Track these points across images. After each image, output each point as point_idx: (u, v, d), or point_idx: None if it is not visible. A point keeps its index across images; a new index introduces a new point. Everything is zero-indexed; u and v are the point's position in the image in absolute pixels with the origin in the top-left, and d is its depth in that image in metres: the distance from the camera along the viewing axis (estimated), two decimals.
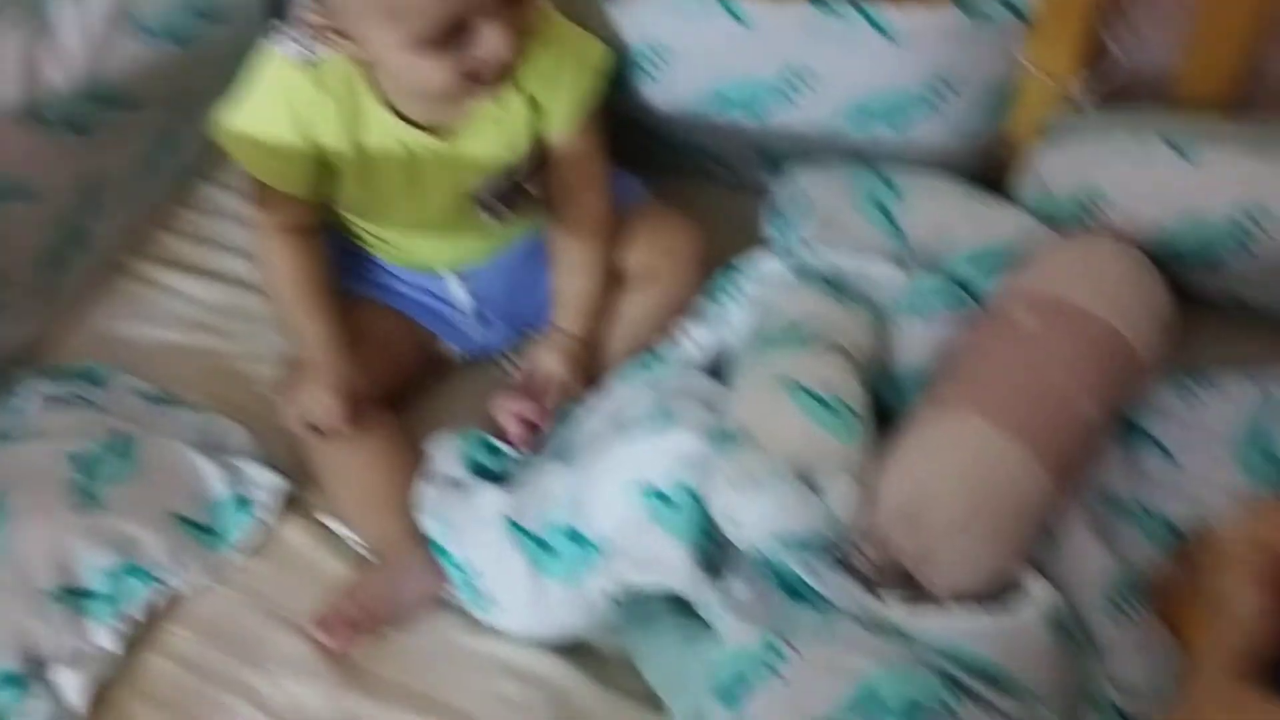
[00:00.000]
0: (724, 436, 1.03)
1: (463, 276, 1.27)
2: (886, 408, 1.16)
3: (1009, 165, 1.28)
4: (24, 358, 1.32)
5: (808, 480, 0.98)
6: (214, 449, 1.22)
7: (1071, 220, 1.21)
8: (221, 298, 1.39)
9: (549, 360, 1.23)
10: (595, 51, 1.21)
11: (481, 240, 1.25)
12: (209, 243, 1.45)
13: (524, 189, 1.21)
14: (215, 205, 1.48)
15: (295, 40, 1.08)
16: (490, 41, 1.01)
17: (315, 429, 1.17)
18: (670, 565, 1.03)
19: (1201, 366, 1.20)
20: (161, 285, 1.41)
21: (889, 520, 0.99)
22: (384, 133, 1.13)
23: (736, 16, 1.24)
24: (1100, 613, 1.05)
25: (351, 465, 1.19)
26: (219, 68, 1.24)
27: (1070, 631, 1.00)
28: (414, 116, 1.12)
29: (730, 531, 1.00)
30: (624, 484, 1.08)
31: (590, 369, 1.25)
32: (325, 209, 1.22)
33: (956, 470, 1.00)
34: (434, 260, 1.26)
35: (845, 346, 1.11)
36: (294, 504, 1.22)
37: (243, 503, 1.19)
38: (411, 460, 1.19)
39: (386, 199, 1.18)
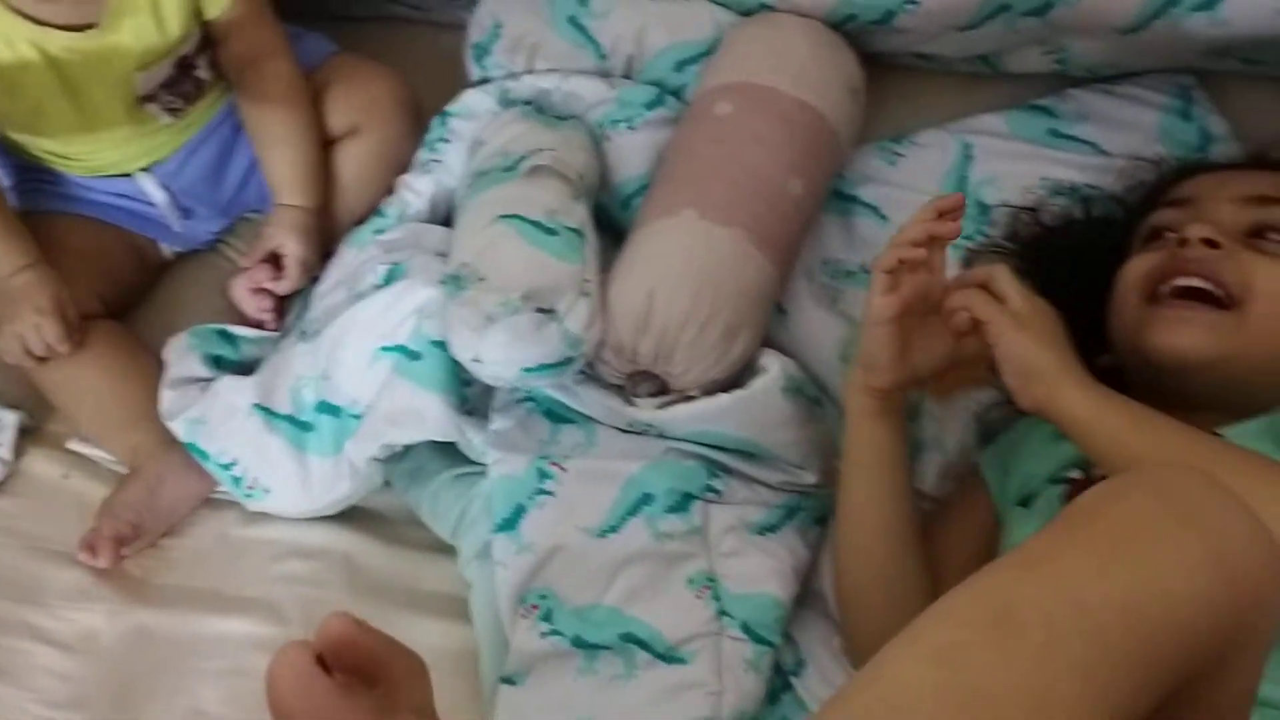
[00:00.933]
0: (453, 279, 1.04)
1: (155, 173, 1.21)
2: (615, 221, 1.18)
3: None
4: None
5: (542, 306, 0.99)
6: None
7: (755, 5, 1.22)
8: None
9: (282, 239, 1.19)
10: None
11: (167, 133, 1.19)
12: None
13: (195, 75, 1.15)
14: None
15: None
16: None
17: (37, 356, 1.12)
18: (426, 417, 1.04)
19: (902, 128, 1.27)
20: None
21: (624, 328, 1.02)
22: (18, 41, 1.04)
23: None
24: (837, 374, 1.12)
25: (86, 384, 1.14)
26: None
27: (808, 394, 1.06)
28: (49, 18, 1.04)
29: (476, 371, 1.01)
30: (367, 346, 1.08)
31: (325, 238, 1.22)
32: None
33: (677, 268, 1.03)
34: (121, 163, 1.19)
35: (560, 168, 1.11)
36: (39, 436, 1.18)
37: None
38: (148, 367, 1.16)
39: (43, 110, 1.10)
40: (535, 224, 1.05)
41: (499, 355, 0.99)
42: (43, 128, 1.14)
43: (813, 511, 1.06)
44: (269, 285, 1.18)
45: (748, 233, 1.06)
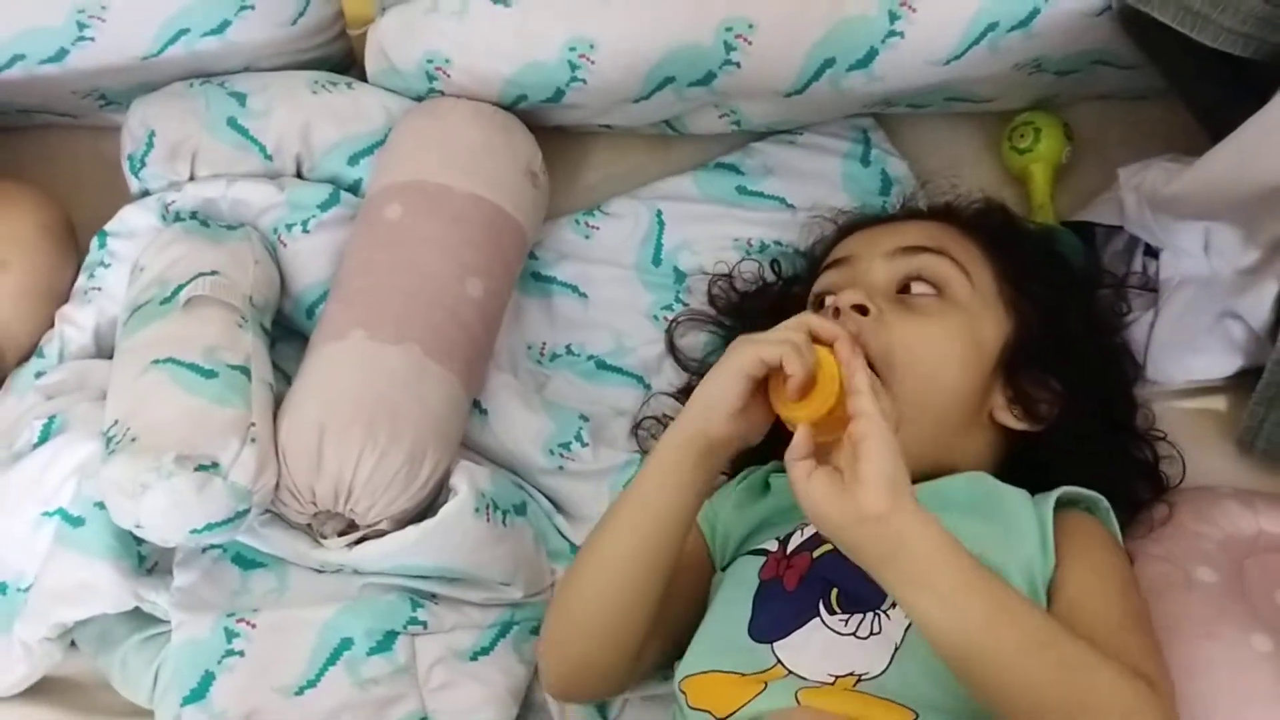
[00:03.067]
0: (107, 441, 0.96)
1: None
2: (302, 331, 1.12)
3: (355, 48, 1.22)
4: None
5: (202, 464, 0.92)
6: None
7: (424, 91, 1.18)
8: None
9: None
10: None
11: None
12: None
13: None
14: None
15: None
16: None
17: None
18: (97, 588, 0.97)
19: (593, 198, 1.24)
20: None
21: (298, 470, 0.96)
22: None
23: None
24: (544, 470, 1.10)
25: None
26: None
27: (502, 508, 1.03)
28: None
29: (143, 536, 0.95)
30: (28, 513, 1.00)
31: None
32: None
33: (348, 397, 0.98)
34: None
35: (216, 294, 1.04)
36: None
37: None
38: None
39: None
40: (191, 367, 0.98)
41: (160, 522, 0.92)
42: None
43: (526, 624, 1.03)
44: None
45: (424, 347, 1.01)
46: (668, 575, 0.89)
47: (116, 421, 0.97)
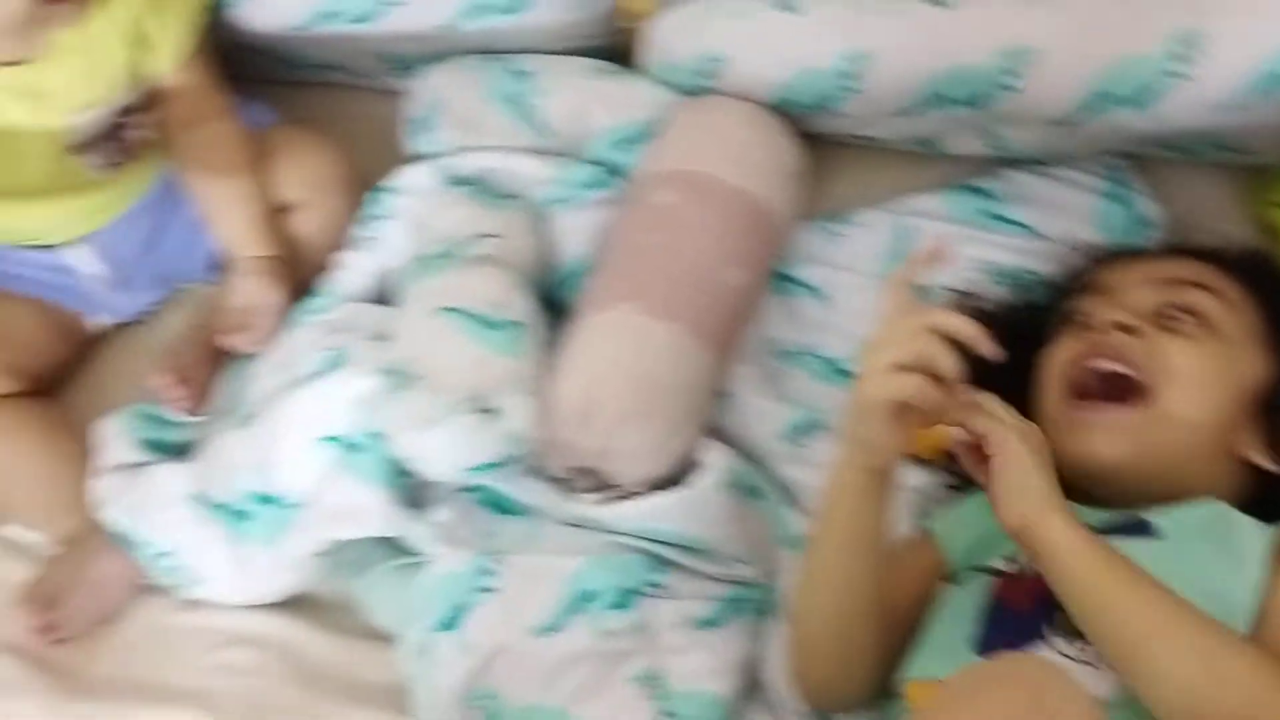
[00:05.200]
0: (394, 374, 1.03)
1: (91, 242, 1.19)
2: (558, 302, 1.18)
3: (632, 39, 1.29)
4: None
5: (484, 405, 0.99)
6: None
7: (698, 88, 1.23)
8: None
9: (256, 289, 1.18)
10: None
11: (99, 199, 1.16)
12: None
13: (133, 132, 1.13)
14: None
15: None
16: None
17: None
18: (368, 511, 1.04)
19: (840, 207, 1.28)
20: None
21: (565, 425, 1.02)
22: None
23: None
24: (781, 457, 1.13)
25: (9, 467, 1.12)
26: None
27: (751, 487, 1.07)
28: None
29: (418, 469, 1.01)
30: (307, 437, 1.07)
31: (291, 284, 1.20)
32: None
33: (618, 364, 1.04)
34: (50, 232, 1.17)
35: (504, 257, 1.11)
36: None
37: None
38: (76, 448, 1.13)
39: None
40: (478, 318, 1.04)
41: (441, 456, 0.99)
42: None
43: (754, 604, 1.07)
44: (185, 375, 1.16)
45: (688, 327, 1.06)
46: (875, 591, 0.91)
47: (404, 360, 1.03)
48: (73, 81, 1.06)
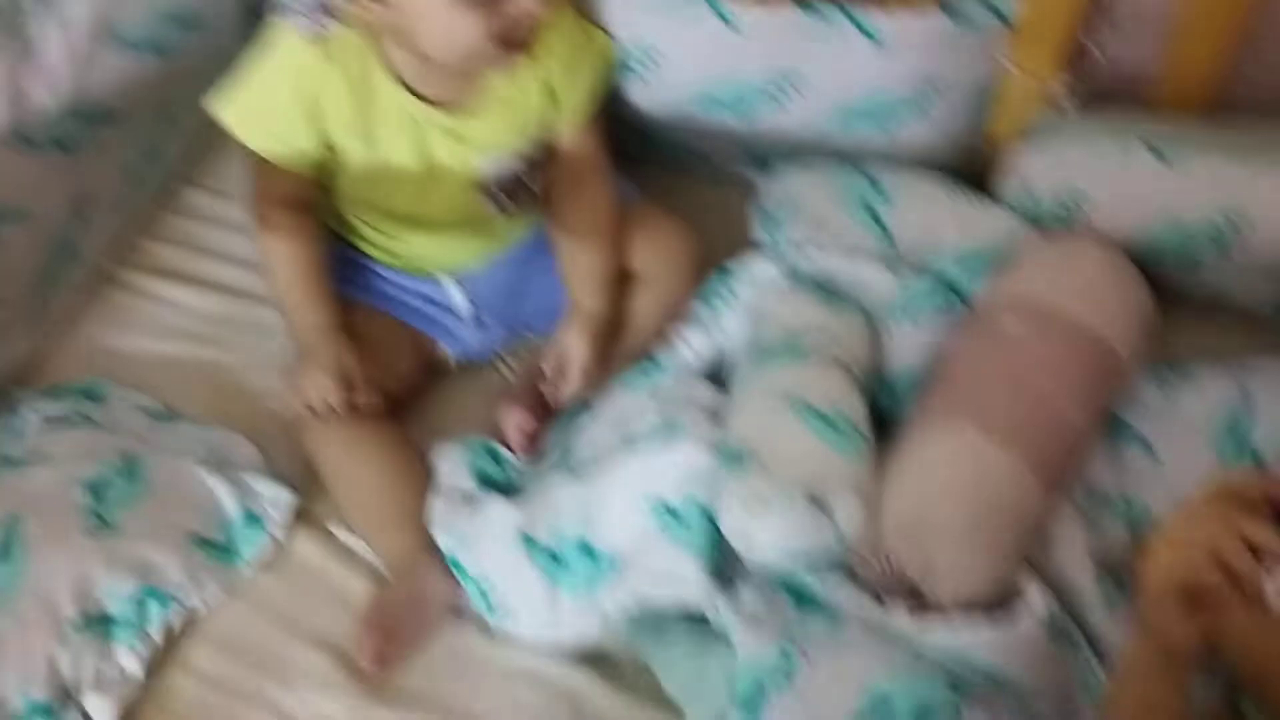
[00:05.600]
0: (731, 454, 1.07)
1: (461, 281, 1.29)
2: (882, 411, 1.20)
3: (991, 165, 1.31)
4: (19, 377, 1.32)
5: (816, 499, 1.01)
6: (221, 465, 1.23)
7: (1054, 221, 1.24)
8: (214, 307, 1.40)
9: (572, 341, 1.26)
10: (607, 43, 1.24)
11: (481, 241, 1.27)
12: (197, 250, 1.44)
13: (527, 183, 1.23)
14: (201, 210, 1.48)
15: (303, 15, 1.09)
16: (525, 0, 1.03)
17: (313, 411, 1.19)
18: (683, 579, 1.07)
19: (1180, 360, 1.25)
20: (152, 295, 1.41)
21: (892, 534, 1.03)
22: (393, 107, 1.14)
23: (725, 19, 1.25)
24: (1092, 603, 1.11)
25: (359, 477, 1.21)
26: (197, 74, 1.24)
27: (1066, 632, 1.05)
28: (425, 91, 1.14)
29: (741, 549, 1.04)
30: (634, 498, 1.11)
31: (609, 355, 1.27)
32: (323, 204, 1.23)
33: (953, 483, 1.04)
34: (433, 263, 1.28)
35: (844, 359, 1.14)
36: (304, 516, 1.24)
37: (253, 519, 1.21)
38: (418, 470, 1.22)
39: (392, 178, 1.19)
40: (820, 414, 1.07)
41: (769, 540, 1.01)
42: (383, 197, 1.22)
43: None
44: (532, 429, 1.23)
45: (1026, 458, 1.06)
46: None
47: (741, 441, 1.07)
48: (495, 126, 1.17)
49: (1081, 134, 1.23)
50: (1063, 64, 1.23)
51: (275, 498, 1.22)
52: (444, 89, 1.15)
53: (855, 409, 1.10)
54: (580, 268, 1.27)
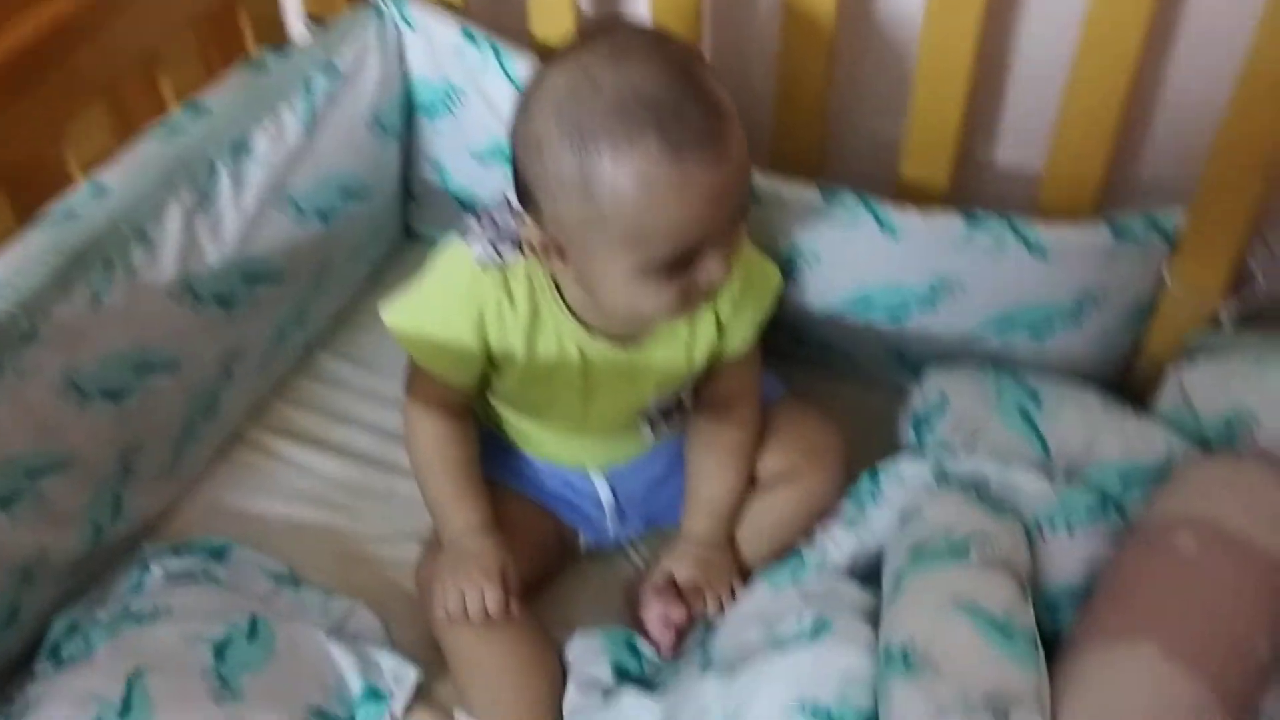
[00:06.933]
0: (895, 658, 1.01)
1: (611, 473, 1.26)
2: (1039, 626, 1.15)
3: (1145, 379, 1.29)
4: (148, 530, 1.30)
5: (998, 711, 0.95)
6: (345, 635, 1.19)
7: (1217, 439, 1.21)
8: (343, 473, 1.38)
9: (682, 568, 1.21)
10: (775, 274, 1.23)
11: (633, 445, 1.25)
12: (330, 415, 1.44)
13: (685, 405, 1.22)
14: (336, 376, 1.48)
15: (488, 241, 1.09)
16: (714, 268, 1.00)
17: (467, 617, 1.14)
18: None
19: None
20: (283, 458, 1.40)
21: None
22: (564, 340, 1.12)
23: (886, 227, 1.26)
24: None
25: (491, 665, 1.15)
26: (352, 242, 1.26)
27: None
28: (597, 324, 1.12)
29: None
30: (786, 699, 1.05)
31: (727, 570, 1.23)
32: (478, 404, 1.22)
33: (1137, 708, 0.98)
34: (581, 460, 1.26)
35: (1010, 563, 1.10)
36: (425, 695, 1.19)
37: (375, 693, 1.16)
38: (550, 661, 1.17)
39: (552, 403, 1.18)
40: (994, 622, 1.02)
41: None
42: (539, 414, 1.21)
43: None
44: (679, 622, 1.18)
45: (1213, 688, 1.00)
46: None
47: (908, 645, 1.02)
48: (665, 366, 1.16)
49: (1245, 350, 1.21)
50: (1226, 282, 1.23)
51: (399, 673, 1.17)
52: (619, 326, 1.13)
53: (1027, 617, 1.05)
54: (704, 487, 1.24)
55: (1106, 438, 1.24)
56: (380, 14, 1.43)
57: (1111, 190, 1.31)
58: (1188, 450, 1.22)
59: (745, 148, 0.99)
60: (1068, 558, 1.17)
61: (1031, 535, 1.19)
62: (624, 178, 0.94)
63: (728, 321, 1.17)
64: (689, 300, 1.03)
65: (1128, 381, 1.31)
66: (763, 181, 1.30)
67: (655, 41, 0.98)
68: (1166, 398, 1.25)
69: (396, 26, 1.44)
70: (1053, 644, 1.10)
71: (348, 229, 1.39)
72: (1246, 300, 1.24)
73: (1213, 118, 1.16)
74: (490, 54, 1.40)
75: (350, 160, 1.39)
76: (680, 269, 0.99)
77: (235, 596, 1.21)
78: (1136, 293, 1.26)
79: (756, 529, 1.25)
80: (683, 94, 0.95)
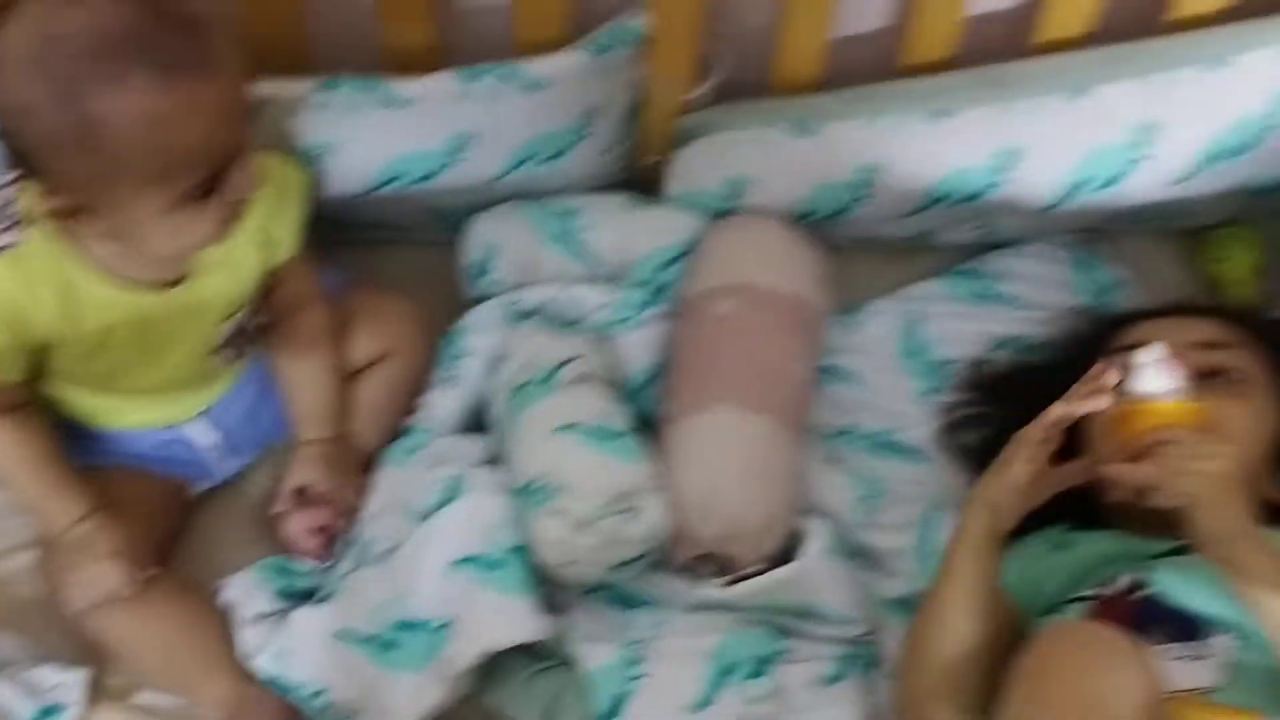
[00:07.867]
0: (528, 492, 1.13)
1: (206, 415, 1.26)
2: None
3: (653, 172, 1.43)
4: None
5: (625, 506, 1.10)
6: None
7: (724, 209, 1.38)
8: None
9: (309, 473, 1.25)
10: (300, 174, 1.23)
11: (221, 379, 1.25)
12: None
13: (255, 324, 1.22)
14: None
15: None
16: (240, 179, 1.01)
17: (100, 603, 1.13)
18: (520, 621, 1.12)
19: (854, 300, 1.44)
20: None
21: (691, 518, 1.14)
22: (106, 302, 1.09)
23: (392, 101, 1.29)
24: (860, 527, 1.27)
25: (152, 637, 1.16)
26: None
27: (850, 551, 1.20)
28: (137, 276, 1.10)
29: (563, 574, 1.11)
30: (445, 563, 1.15)
31: (350, 462, 1.29)
32: (37, 395, 1.17)
33: (729, 457, 1.17)
34: (170, 415, 1.24)
35: (589, 373, 1.23)
36: (103, 690, 1.17)
37: (50, 712, 1.14)
38: (209, 611, 1.19)
39: (121, 367, 1.15)
40: (594, 430, 1.16)
41: (590, 558, 1.09)
42: (113, 383, 1.18)
43: (866, 658, 1.19)
44: (322, 523, 1.23)
45: (777, 418, 1.20)
46: (992, 635, 1.05)
47: (533, 478, 1.14)
48: (221, 293, 1.15)
49: (726, 126, 1.38)
50: (694, 70, 1.37)
51: (65, 681, 1.15)
52: (158, 271, 1.11)
53: (622, 415, 1.20)
54: (301, 395, 1.27)
55: (640, 235, 1.38)
56: None
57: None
58: (704, 224, 1.39)
59: (235, 53, 0.99)
60: (637, 348, 1.32)
61: (602, 338, 1.33)
62: (124, 120, 0.93)
63: (269, 231, 1.18)
64: (227, 219, 1.04)
65: (640, 179, 1.45)
66: (260, 85, 1.27)
67: None
68: (675, 183, 1.41)
69: None
70: (651, 421, 1.26)
71: None
72: (713, 85, 1.40)
73: None
74: None
75: None
76: (210, 190, 1.00)
77: None
78: (626, 96, 1.38)
79: (364, 417, 1.30)
80: (154, 19, 0.93)
